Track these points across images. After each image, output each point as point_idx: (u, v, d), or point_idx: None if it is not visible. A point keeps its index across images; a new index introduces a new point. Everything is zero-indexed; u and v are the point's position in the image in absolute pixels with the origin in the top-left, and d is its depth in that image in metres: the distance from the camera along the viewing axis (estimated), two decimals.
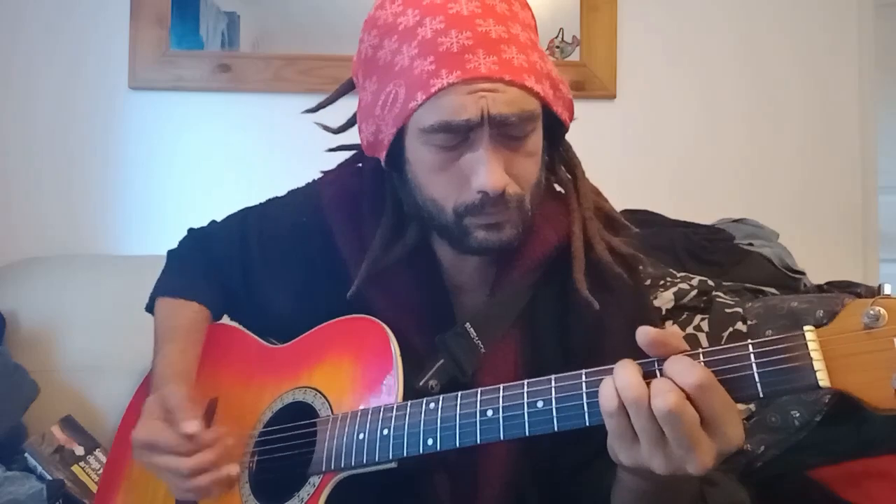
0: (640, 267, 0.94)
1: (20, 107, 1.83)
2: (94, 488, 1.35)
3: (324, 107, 0.94)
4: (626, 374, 0.63)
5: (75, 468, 1.38)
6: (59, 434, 1.41)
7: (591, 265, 0.86)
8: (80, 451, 1.41)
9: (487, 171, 0.75)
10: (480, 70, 0.74)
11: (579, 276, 0.84)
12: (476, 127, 0.75)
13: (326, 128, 0.96)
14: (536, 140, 0.81)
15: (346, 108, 0.92)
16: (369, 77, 0.83)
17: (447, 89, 0.74)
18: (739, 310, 1.43)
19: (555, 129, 0.85)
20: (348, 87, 0.91)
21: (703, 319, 1.44)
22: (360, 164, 0.96)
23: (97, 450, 1.42)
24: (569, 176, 0.91)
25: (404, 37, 0.77)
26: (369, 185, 0.92)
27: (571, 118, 0.85)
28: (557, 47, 1.89)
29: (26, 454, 1.36)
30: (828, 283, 1.61)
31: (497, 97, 0.74)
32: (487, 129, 0.75)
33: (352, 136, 0.93)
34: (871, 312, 0.58)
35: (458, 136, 0.76)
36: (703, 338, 1.41)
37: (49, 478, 1.33)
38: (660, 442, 0.62)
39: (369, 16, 0.82)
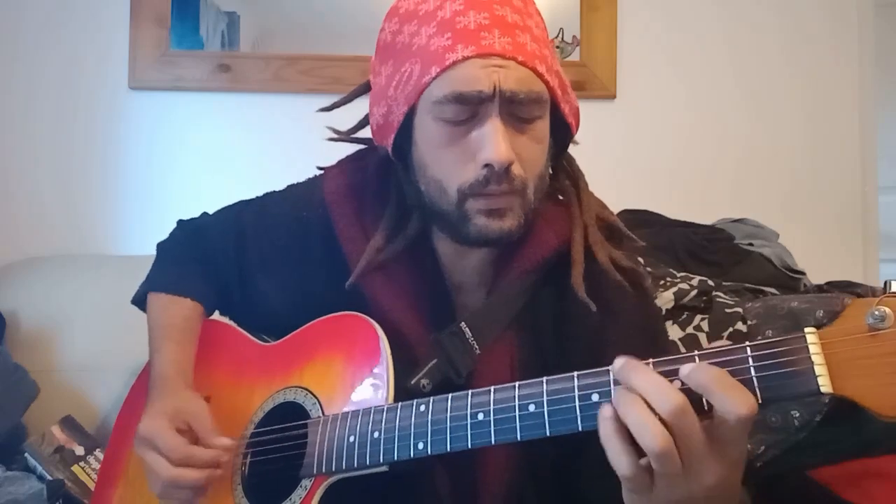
0: (647, 284, 0.92)
1: (20, 107, 1.83)
2: (94, 488, 1.35)
3: (339, 106, 0.94)
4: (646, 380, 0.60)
5: (75, 468, 1.38)
6: (59, 434, 1.40)
7: (593, 273, 0.85)
8: (80, 451, 1.40)
9: (495, 143, 0.76)
10: (495, 47, 0.75)
11: (578, 280, 0.83)
12: (486, 101, 0.76)
13: (336, 131, 0.96)
14: (544, 128, 0.81)
15: (355, 111, 0.93)
16: (385, 62, 0.84)
17: (461, 62, 0.75)
18: (739, 310, 1.43)
19: (560, 135, 0.85)
20: (365, 89, 0.91)
21: (703, 319, 1.44)
22: (364, 160, 0.95)
23: (97, 450, 1.42)
24: (572, 188, 0.91)
25: (424, 20, 0.79)
26: (373, 179, 0.92)
27: (577, 126, 0.85)
28: (557, 47, 1.89)
29: (26, 454, 1.36)
30: (828, 283, 1.61)
31: (509, 73, 0.76)
32: (497, 104, 0.76)
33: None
34: (877, 313, 0.54)
35: (468, 110, 0.77)
36: (703, 338, 1.41)
37: (49, 478, 1.33)
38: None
39: (391, 7, 0.84)
